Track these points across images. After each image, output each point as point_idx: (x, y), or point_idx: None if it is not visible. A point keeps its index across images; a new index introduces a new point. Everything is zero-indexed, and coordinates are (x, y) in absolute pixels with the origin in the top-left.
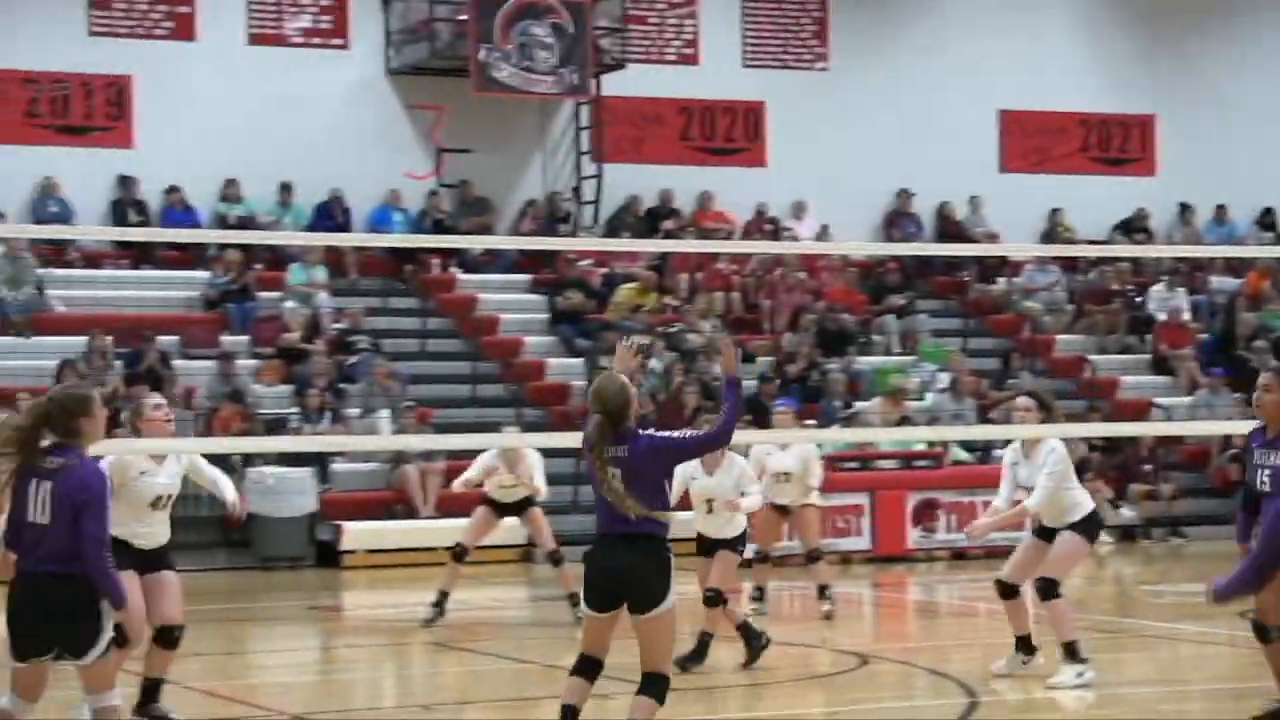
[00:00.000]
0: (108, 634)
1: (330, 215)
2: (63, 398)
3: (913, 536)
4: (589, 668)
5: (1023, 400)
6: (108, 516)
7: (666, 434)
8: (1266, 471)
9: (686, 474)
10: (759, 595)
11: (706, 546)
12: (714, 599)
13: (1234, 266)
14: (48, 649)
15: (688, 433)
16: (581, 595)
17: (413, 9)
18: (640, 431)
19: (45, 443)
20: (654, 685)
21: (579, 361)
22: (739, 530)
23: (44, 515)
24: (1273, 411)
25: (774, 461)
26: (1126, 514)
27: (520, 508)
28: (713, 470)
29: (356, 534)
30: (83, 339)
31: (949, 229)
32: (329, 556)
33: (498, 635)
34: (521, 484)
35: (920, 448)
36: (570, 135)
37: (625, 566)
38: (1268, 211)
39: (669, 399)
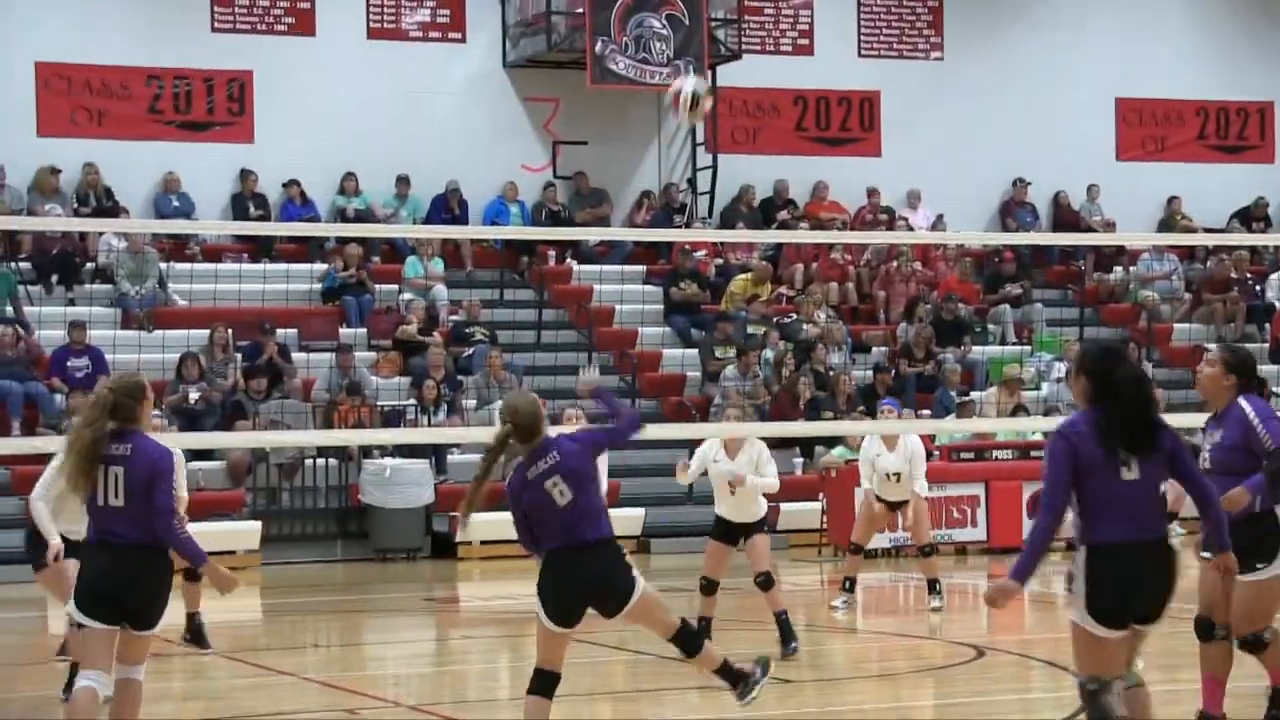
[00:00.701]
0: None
1: (447, 208)
2: (124, 386)
3: (1028, 527)
4: (549, 684)
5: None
6: (173, 489)
7: (575, 434)
8: (1206, 449)
9: (708, 457)
10: (849, 586)
11: (726, 531)
12: (767, 582)
13: None
14: (118, 617)
15: (593, 428)
16: (541, 608)
17: (530, 2)
18: (553, 437)
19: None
20: (689, 639)
21: (693, 352)
22: (764, 512)
23: (118, 498)
24: (1210, 387)
25: (882, 463)
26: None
27: None
28: (734, 454)
29: (472, 525)
30: (204, 332)
31: (1065, 218)
32: (445, 548)
33: (613, 626)
34: None
35: (1036, 438)
36: (685, 126)
37: (591, 577)
38: None
39: (784, 390)
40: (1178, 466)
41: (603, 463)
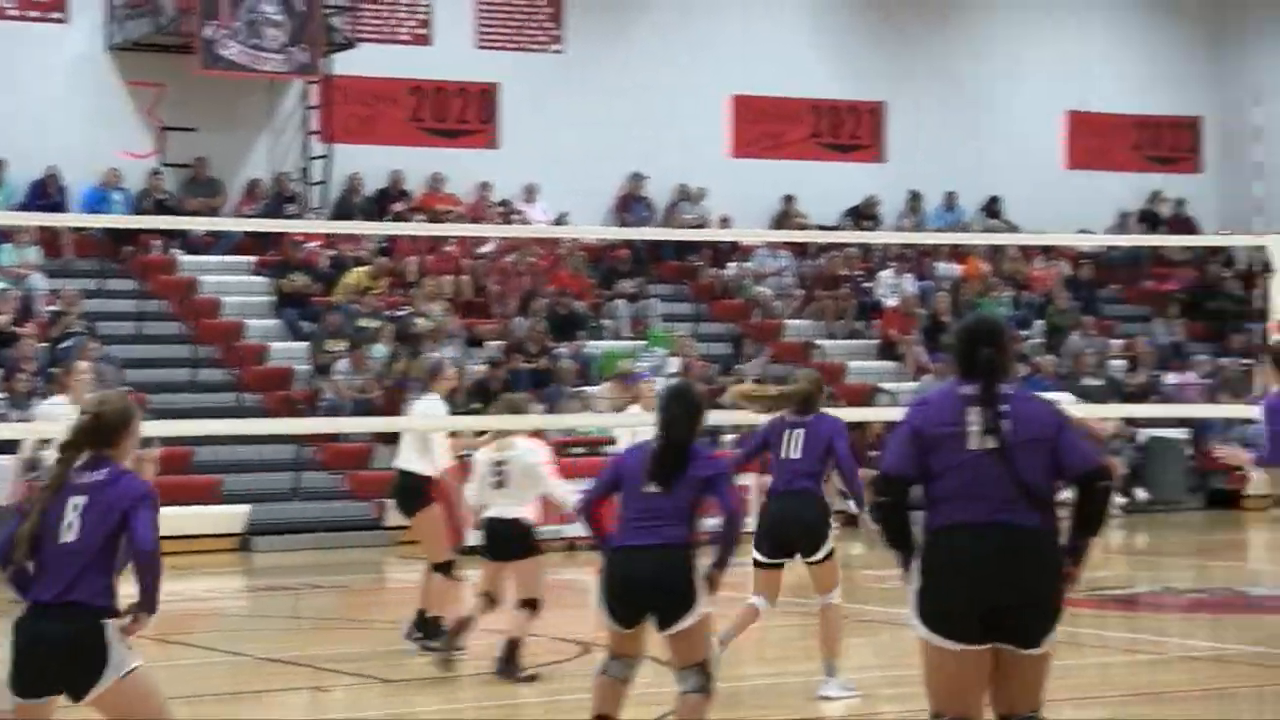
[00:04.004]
0: None
1: (44, 194)
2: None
3: None
4: None
5: None
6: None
7: (148, 487)
8: None
9: None
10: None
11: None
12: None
13: (961, 253)
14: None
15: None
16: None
17: None
18: (123, 466)
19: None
20: None
21: (303, 345)
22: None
23: None
24: None
25: None
26: (854, 507)
27: None
28: None
29: None
30: None
31: (677, 215)
32: None
33: (214, 627)
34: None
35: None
36: (299, 115)
37: (51, 641)
38: (993, 199)
39: (395, 386)
40: None
41: None
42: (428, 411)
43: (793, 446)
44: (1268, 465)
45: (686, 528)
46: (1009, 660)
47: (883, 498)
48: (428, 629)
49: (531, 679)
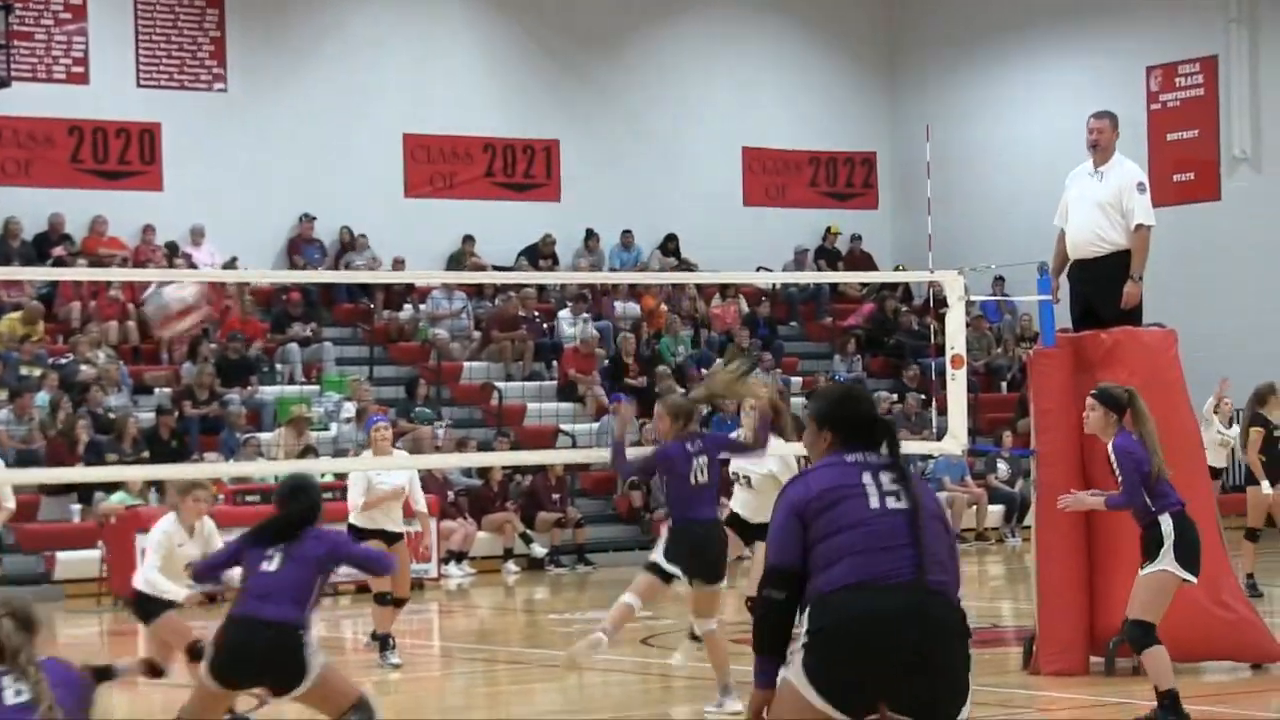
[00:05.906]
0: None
1: None
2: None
3: None
4: None
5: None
6: None
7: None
8: None
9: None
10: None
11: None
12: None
13: (639, 292)
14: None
15: None
16: None
17: None
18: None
19: None
20: None
21: None
22: None
23: None
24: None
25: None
26: (539, 550)
27: None
28: None
29: None
30: None
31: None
32: None
33: None
34: None
35: (329, 479)
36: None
37: None
38: (670, 237)
39: (60, 434)
40: None
41: None
42: None
43: (699, 472)
44: (1119, 508)
45: (299, 605)
46: None
47: (776, 593)
48: None
49: None
